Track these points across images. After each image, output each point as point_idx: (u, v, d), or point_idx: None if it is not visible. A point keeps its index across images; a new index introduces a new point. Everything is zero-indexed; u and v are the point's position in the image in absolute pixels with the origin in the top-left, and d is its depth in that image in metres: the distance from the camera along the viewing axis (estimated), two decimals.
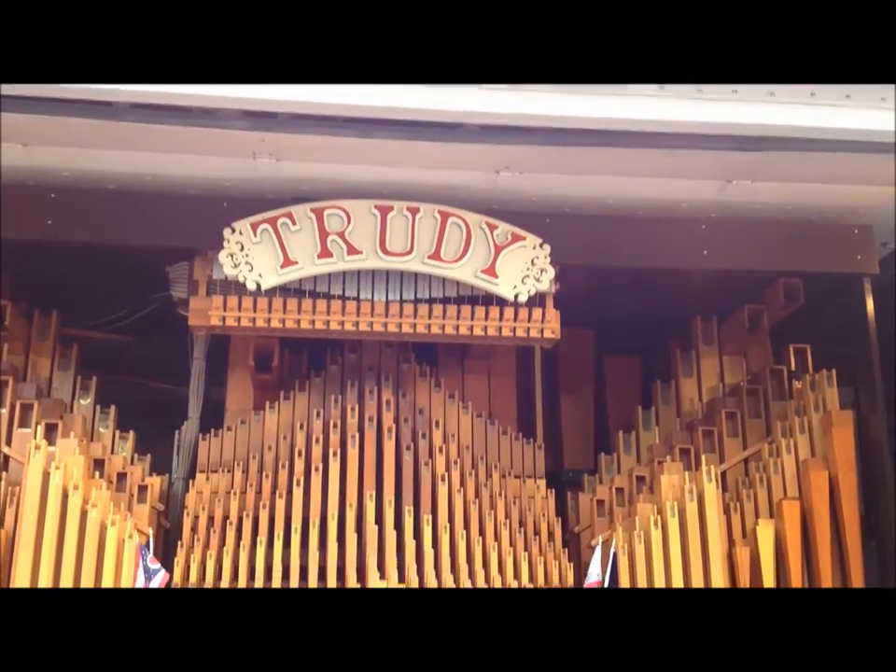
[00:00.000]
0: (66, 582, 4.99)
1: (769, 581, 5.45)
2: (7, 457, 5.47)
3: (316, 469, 5.86)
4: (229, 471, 6.02)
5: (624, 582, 5.43)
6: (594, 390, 7.10)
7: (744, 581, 5.44)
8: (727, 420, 6.21)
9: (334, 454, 5.90)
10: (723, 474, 5.98)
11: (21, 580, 4.93)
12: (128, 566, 5.10)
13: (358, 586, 5.27)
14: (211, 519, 5.76)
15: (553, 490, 6.22)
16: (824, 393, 5.96)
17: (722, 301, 6.59)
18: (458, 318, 5.75)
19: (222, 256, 5.49)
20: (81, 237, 5.58)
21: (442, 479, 5.92)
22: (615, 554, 5.48)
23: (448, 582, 5.42)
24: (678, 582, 5.34)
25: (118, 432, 6.09)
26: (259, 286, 5.50)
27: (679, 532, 5.46)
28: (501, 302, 5.75)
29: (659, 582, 5.37)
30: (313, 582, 5.39)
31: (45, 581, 4.95)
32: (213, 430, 6.19)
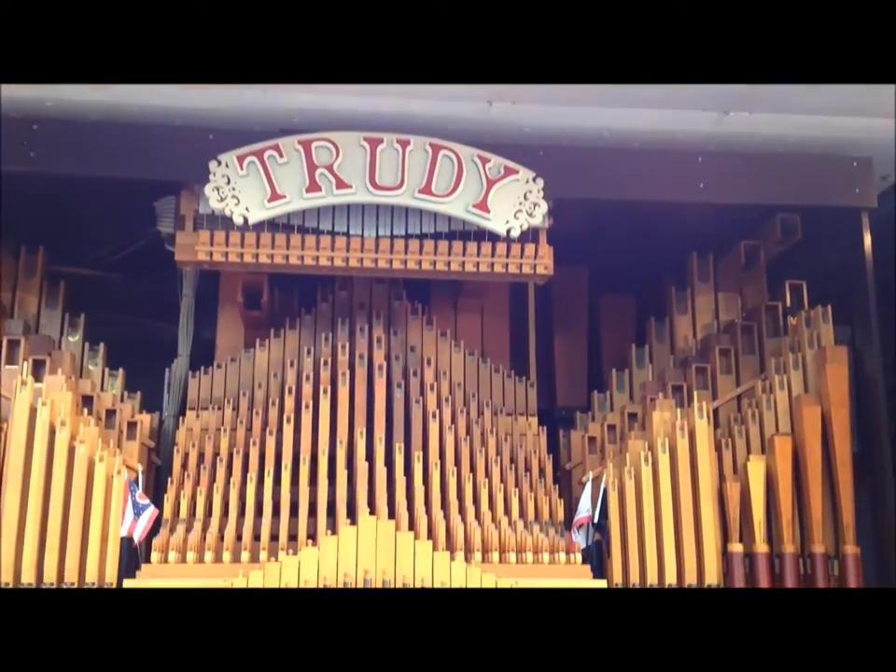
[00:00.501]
0: (55, 518, 4.98)
1: (759, 516, 5.45)
2: None
3: (307, 407, 5.83)
4: (219, 409, 6.00)
5: (614, 518, 5.43)
6: (587, 328, 7.06)
7: (734, 516, 5.44)
8: (721, 357, 6.17)
9: (325, 391, 5.86)
10: (716, 411, 5.96)
11: (9, 514, 4.93)
12: (117, 501, 5.08)
13: (348, 522, 5.25)
14: (201, 456, 5.75)
15: (545, 427, 6.21)
16: (819, 329, 5.91)
17: (719, 238, 6.49)
18: (450, 254, 5.67)
19: (208, 189, 5.39)
20: (65, 169, 5.48)
21: (434, 416, 5.89)
22: (605, 490, 5.47)
23: (438, 518, 5.42)
24: (667, 517, 5.34)
25: (107, 369, 6.06)
26: (245, 220, 5.41)
27: (669, 468, 5.44)
28: (493, 238, 5.67)
29: (648, 517, 5.36)
30: (303, 519, 5.38)
31: (33, 515, 4.95)
32: (203, 368, 6.16)
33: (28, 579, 4.88)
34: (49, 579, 4.90)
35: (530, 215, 5.64)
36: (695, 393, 5.83)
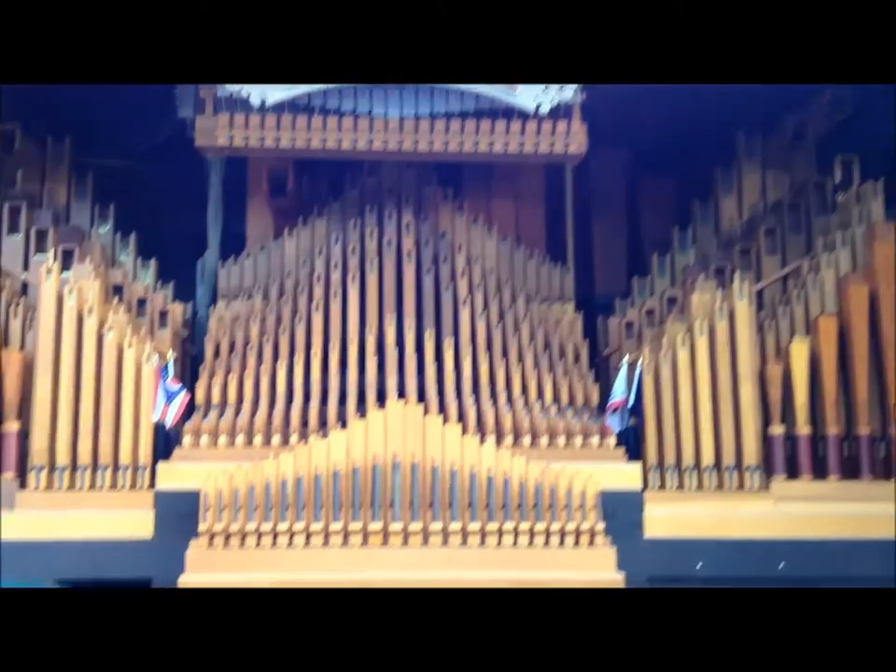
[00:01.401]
0: (87, 403, 5.04)
1: (802, 398, 5.27)
2: (25, 284, 5.47)
3: (335, 294, 5.77)
4: (249, 298, 5.98)
5: (649, 401, 5.30)
6: (627, 212, 6.83)
7: (775, 397, 5.27)
8: (766, 237, 5.92)
9: (353, 278, 5.78)
10: (760, 293, 5.75)
11: (41, 400, 5.00)
12: (147, 387, 5.11)
13: (378, 407, 5.21)
14: (232, 344, 5.75)
15: (582, 313, 6.07)
16: (869, 205, 5.60)
17: (766, 114, 6.16)
18: (477, 134, 5.48)
19: None
20: None
21: (464, 302, 5.78)
22: (641, 373, 5.32)
23: (469, 403, 5.35)
24: (704, 399, 5.20)
25: (139, 260, 6.06)
26: (263, 101, 5.26)
27: (707, 350, 5.27)
28: (523, 116, 5.44)
29: (685, 399, 5.22)
30: (333, 405, 5.36)
31: (65, 401, 5.01)
32: (233, 258, 6.12)
33: (63, 461, 4.97)
34: (84, 461, 4.98)
35: (560, 89, 5.38)
36: (737, 274, 5.60)
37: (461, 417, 5.29)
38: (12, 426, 5.05)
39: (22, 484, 4.97)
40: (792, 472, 5.24)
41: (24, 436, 5.05)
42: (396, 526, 4.74)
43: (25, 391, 5.09)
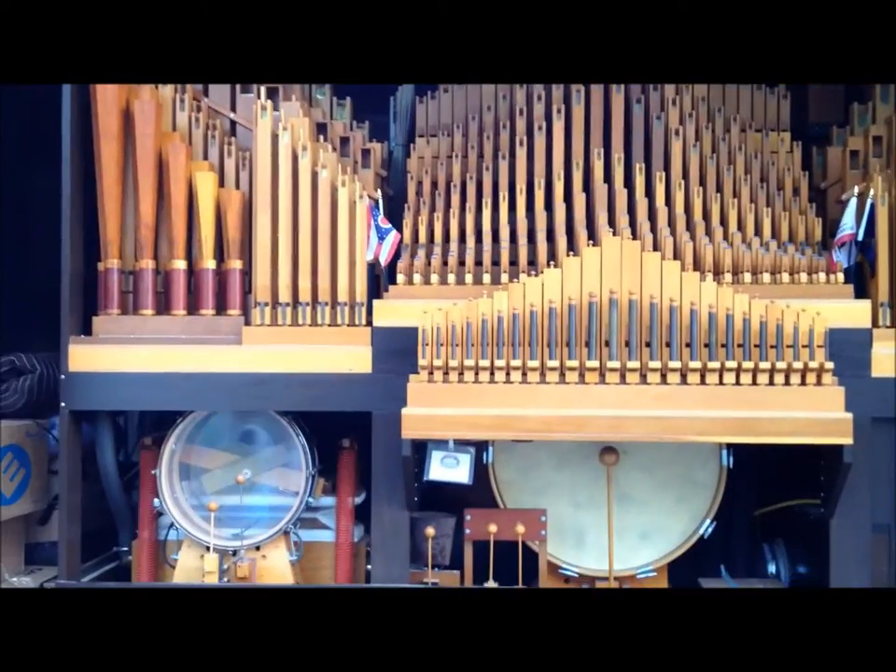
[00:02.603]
0: (304, 241, 5.09)
1: None
2: (234, 124, 5.48)
3: (539, 128, 5.56)
4: (449, 135, 5.84)
5: (882, 235, 4.97)
6: None
7: None
8: None
9: (558, 111, 5.54)
10: None
11: (262, 239, 5.07)
12: (360, 225, 5.12)
13: (591, 244, 5.06)
14: (434, 183, 5.67)
15: (799, 143, 5.67)
16: None
17: None
18: None
19: None
20: None
21: (676, 133, 5.49)
22: (873, 205, 4.97)
23: (684, 240, 5.15)
24: None
25: (335, 98, 5.98)
26: None
27: None
28: None
29: None
30: (541, 243, 5.26)
31: (284, 240, 5.07)
32: (430, 93, 5.96)
33: (285, 298, 5.08)
34: (304, 298, 5.09)
35: None
36: None
37: (675, 255, 5.12)
38: (235, 263, 5.17)
39: (247, 321, 5.13)
40: None
41: (247, 274, 5.18)
42: (613, 364, 4.69)
43: (245, 230, 5.18)
